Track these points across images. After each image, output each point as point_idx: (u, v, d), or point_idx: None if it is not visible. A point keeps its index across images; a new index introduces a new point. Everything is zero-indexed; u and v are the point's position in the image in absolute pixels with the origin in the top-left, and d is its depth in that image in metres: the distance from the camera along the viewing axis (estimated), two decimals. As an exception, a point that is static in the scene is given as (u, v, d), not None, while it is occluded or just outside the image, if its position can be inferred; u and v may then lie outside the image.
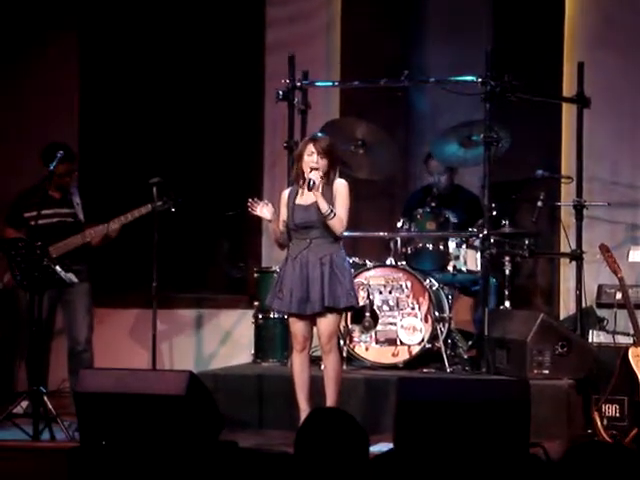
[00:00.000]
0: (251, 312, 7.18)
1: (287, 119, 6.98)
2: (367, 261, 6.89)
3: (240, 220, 8.13)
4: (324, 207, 5.63)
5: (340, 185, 5.72)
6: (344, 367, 6.28)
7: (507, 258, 6.98)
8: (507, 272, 6.96)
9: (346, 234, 5.88)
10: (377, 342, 6.74)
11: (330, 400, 5.68)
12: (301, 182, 5.73)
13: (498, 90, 6.59)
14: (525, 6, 7.60)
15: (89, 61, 8.17)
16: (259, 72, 7.95)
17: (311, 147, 5.68)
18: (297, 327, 5.76)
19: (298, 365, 5.77)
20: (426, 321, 6.71)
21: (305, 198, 5.74)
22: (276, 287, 5.77)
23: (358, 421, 3.55)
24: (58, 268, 6.11)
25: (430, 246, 6.92)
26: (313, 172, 5.65)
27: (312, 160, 5.67)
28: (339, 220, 5.67)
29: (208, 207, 7.97)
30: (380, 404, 6.00)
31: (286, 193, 5.86)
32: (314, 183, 5.62)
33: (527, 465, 4.59)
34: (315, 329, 5.79)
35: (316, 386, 5.75)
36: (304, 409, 5.65)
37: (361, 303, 6.50)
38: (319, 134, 5.87)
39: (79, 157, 7.30)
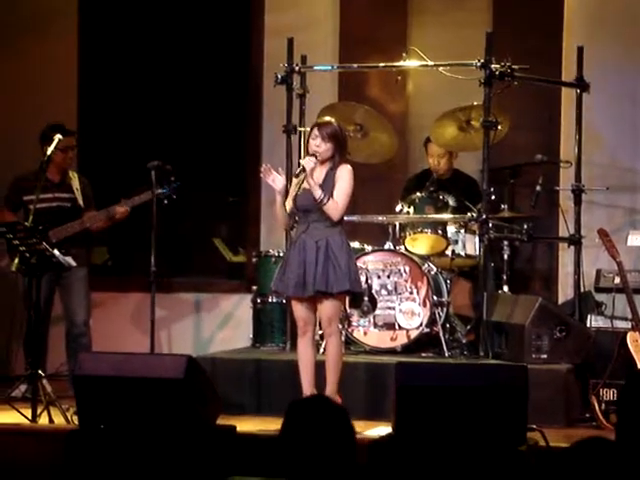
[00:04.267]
0: (250, 297, 7.18)
1: (285, 103, 6.96)
2: (365, 245, 6.89)
3: (239, 205, 8.14)
4: (317, 193, 5.64)
5: (343, 170, 5.72)
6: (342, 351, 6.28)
7: (506, 242, 6.98)
8: (506, 256, 6.96)
9: (345, 218, 5.87)
10: (375, 326, 6.75)
11: (329, 384, 5.69)
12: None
13: (497, 74, 6.57)
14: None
15: (88, 44, 8.15)
16: (258, 56, 7.93)
17: (315, 131, 5.72)
18: (297, 310, 5.78)
19: (300, 349, 5.78)
20: (424, 305, 6.71)
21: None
22: (280, 270, 5.80)
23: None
24: (56, 252, 6.11)
25: (428, 230, 6.91)
26: (307, 158, 5.67)
27: (315, 144, 5.69)
28: (334, 205, 5.66)
29: (207, 191, 7.96)
30: (380, 388, 6.00)
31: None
32: (304, 169, 5.63)
33: (524, 451, 4.59)
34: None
35: (319, 370, 5.75)
36: (306, 393, 5.64)
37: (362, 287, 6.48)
38: (327, 118, 5.87)
39: (78, 140, 7.28)
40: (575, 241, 6.87)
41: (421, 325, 6.70)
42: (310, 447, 3.23)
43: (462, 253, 6.89)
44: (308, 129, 5.97)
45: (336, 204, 5.67)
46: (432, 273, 6.81)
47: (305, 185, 5.74)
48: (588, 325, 6.69)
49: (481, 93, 6.65)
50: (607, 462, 2.91)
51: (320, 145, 5.69)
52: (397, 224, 6.95)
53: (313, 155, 5.67)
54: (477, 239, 6.78)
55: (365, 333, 6.76)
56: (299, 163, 5.75)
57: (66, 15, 8.07)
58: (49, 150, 6.52)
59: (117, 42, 8.14)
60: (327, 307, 5.69)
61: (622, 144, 7.45)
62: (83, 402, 4.98)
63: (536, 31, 7.52)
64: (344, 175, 5.71)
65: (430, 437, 4.58)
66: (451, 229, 6.88)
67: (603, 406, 6.06)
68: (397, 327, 6.72)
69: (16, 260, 6.24)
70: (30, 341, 6.39)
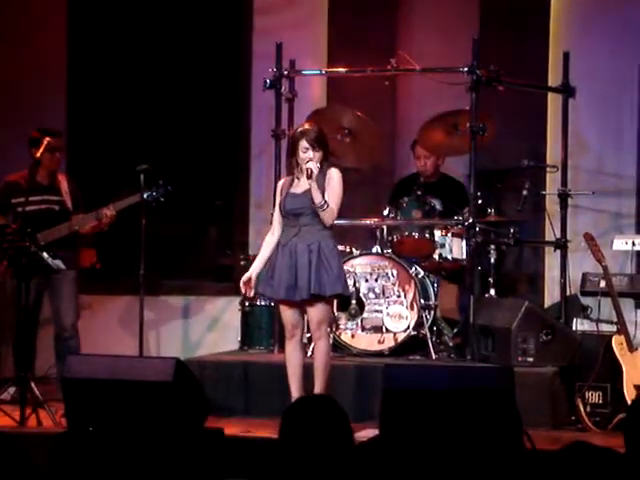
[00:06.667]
0: (238, 299, 7.20)
1: (274, 107, 6.99)
2: (353, 249, 6.92)
3: (227, 208, 8.16)
4: (318, 198, 5.66)
5: (334, 173, 5.75)
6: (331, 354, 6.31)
7: (492, 246, 7.01)
8: (492, 260, 6.99)
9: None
10: (363, 329, 6.78)
11: (318, 387, 5.71)
12: (296, 173, 5.77)
13: (484, 79, 6.61)
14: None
15: (77, 47, 8.16)
16: (246, 60, 7.96)
17: (304, 143, 5.70)
18: (286, 314, 5.79)
19: (288, 352, 5.80)
20: (412, 309, 6.74)
21: (298, 186, 5.77)
22: (267, 274, 5.80)
23: (345, 407, 3.58)
24: (45, 255, 6.12)
25: (416, 234, 6.95)
26: (311, 162, 5.68)
27: (308, 156, 5.69)
28: (331, 212, 5.70)
29: (196, 195, 7.98)
30: (368, 391, 6.03)
31: (282, 182, 5.91)
32: (312, 172, 5.65)
33: (512, 453, 4.62)
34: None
35: (307, 373, 5.78)
36: (294, 396, 5.67)
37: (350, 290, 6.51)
38: (307, 126, 5.86)
39: (66, 143, 7.31)
40: (561, 245, 6.91)
41: (408, 328, 6.73)
42: (310, 448, 3.26)
43: (449, 257, 6.93)
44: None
45: (332, 211, 5.71)
46: (419, 276, 6.85)
47: (293, 190, 5.78)
48: (574, 328, 6.73)
49: (468, 98, 6.68)
50: (591, 467, 2.94)
51: (314, 156, 5.70)
52: (385, 228, 6.98)
53: (310, 161, 5.69)
54: (464, 243, 6.82)
55: (353, 336, 6.79)
56: (302, 167, 5.72)
57: (55, 17, 8.08)
58: (38, 153, 6.53)
59: (106, 45, 8.14)
60: (318, 310, 5.72)
61: (608, 149, 7.50)
62: (72, 405, 4.99)
63: (523, 37, 7.56)
64: (335, 179, 5.74)
65: (416, 439, 4.61)
66: (438, 233, 6.92)
67: (588, 409, 6.11)
68: (385, 330, 6.75)
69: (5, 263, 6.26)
70: (19, 344, 6.40)
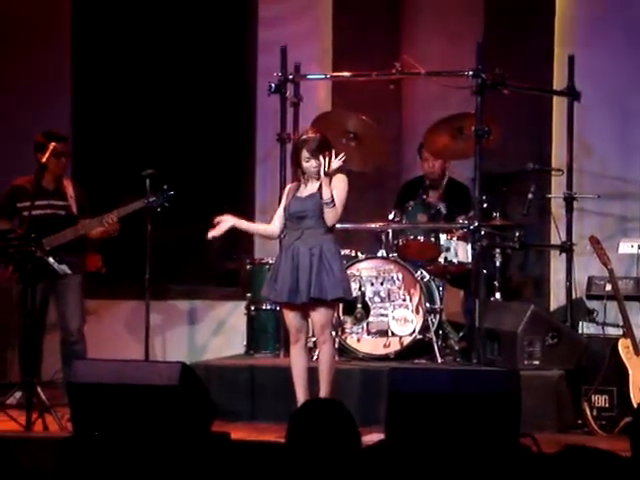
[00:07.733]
0: (244, 304, 7.21)
1: (279, 112, 7.00)
2: (359, 253, 6.92)
3: (233, 212, 8.16)
4: (327, 194, 5.68)
5: (340, 178, 5.78)
6: (336, 358, 6.31)
7: (498, 250, 7.01)
8: (498, 264, 6.99)
9: (338, 226, 5.92)
10: (369, 333, 6.78)
11: (323, 391, 5.71)
12: (302, 180, 5.79)
13: (489, 83, 6.62)
14: (516, -1, 7.66)
15: (82, 51, 8.18)
16: (251, 65, 7.97)
17: (305, 153, 5.73)
18: (289, 318, 5.81)
19: (293, 357, 5.81)
20: (417, 312, 6.74)
21: (303, 191, 5.80)
22: (271, 278, 5.83)
23: (351, 411, 3.58)
24: (51, 260, 6.13)
25: (421, 238, 6.95)
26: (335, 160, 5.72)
27: (313, 166, 5.71)
28: (335, 211, 5.72)
29: (201, 199, 7.99)
30: (374, 395, 6.03)
31: (288, 187, 5.95)
32: (330, 160, 5.68)
33: (517, 456, 4.62)
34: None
35: (313, 377, 5.78)
36: (300, 400, 5.67)
37: (353, 294, 6.52)
38: (309, 134, 5.84)
39: (72, 148, 7.32)
40: (567, 248, 6.91)
41: (414, 332, 6.73)
42: (318, 452, 3.26)
43: (454, 260, 6.93)
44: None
45: (337, 209, 5.73)
46: (425, 280, 6.85)
47: (298, 194, 5.80)
48: (580, 332, 6.74)
49: (473, 101, 6.68)
50: (588, 470, 2.93)
51: (316, 163, 5.72)
52: (390, 231, 6.98)
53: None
54: (469, 246, 6.82)
55: (358, 340, 6.79)
56: (311, 170, 5.76)
57: (59, 22, 8.10)
58: (44, 158, 6.54)
59: (111, 49, 8.17)
60: (320, 314, 5.72)
61: (613, 152, 7.50)
62: (78, 409, 4.99)
63: (527, 39, 7.57)
64: (341, 183, 5.77)
65: (422, 443, 4.61)
66: (443, 236, 6.92)
67: (595, 412, 6.10)
68: (390, 334, 6.75)
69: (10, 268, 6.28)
70: (25, 348, 6.41)
